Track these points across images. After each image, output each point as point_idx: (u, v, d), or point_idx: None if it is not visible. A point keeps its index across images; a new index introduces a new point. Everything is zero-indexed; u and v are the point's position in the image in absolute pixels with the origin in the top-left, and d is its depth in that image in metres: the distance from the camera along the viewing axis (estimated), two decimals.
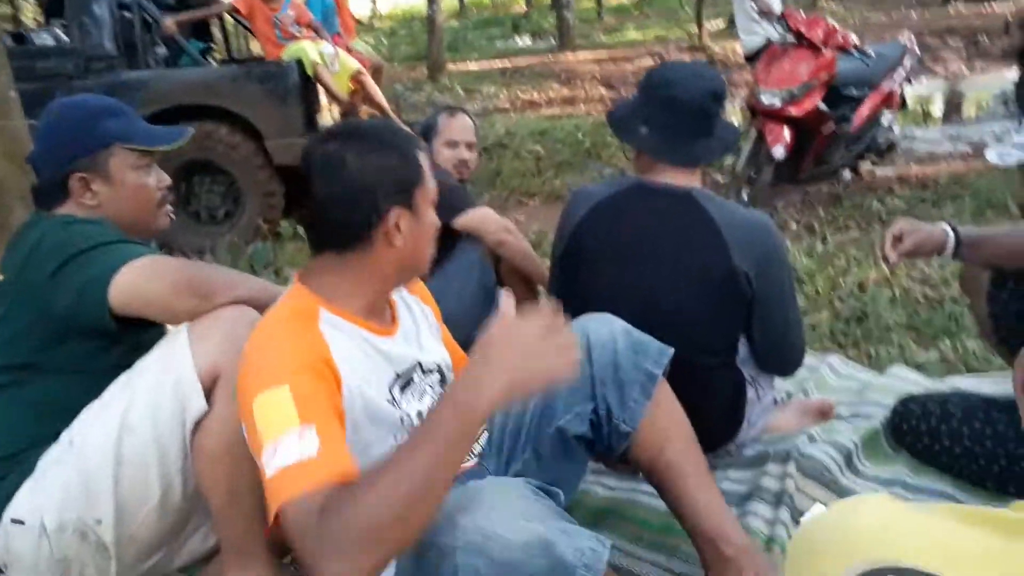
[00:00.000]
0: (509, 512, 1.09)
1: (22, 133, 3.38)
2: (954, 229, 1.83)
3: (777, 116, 4.27)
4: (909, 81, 4.89)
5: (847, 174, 4.95)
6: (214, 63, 5.43)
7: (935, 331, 2.77)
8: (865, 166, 5.11)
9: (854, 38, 4.42)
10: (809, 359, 2.26)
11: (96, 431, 1.46)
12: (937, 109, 8.54)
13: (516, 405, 1.44)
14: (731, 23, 13.80)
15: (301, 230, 4.46)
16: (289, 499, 1.02)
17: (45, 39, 5.21)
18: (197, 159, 4.59)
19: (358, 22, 8.57)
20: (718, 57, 12.11)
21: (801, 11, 4.55)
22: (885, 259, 1.82)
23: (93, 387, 1.51)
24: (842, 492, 1.77)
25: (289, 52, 4.78)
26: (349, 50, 5.49)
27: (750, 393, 1.89)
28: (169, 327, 1.73)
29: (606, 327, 1.44)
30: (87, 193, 1.59)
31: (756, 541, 1.56)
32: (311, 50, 4.69)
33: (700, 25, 13.14)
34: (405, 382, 1.36)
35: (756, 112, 4.40)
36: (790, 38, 4.39)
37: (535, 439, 1.41)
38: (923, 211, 4.22)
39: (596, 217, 1.87)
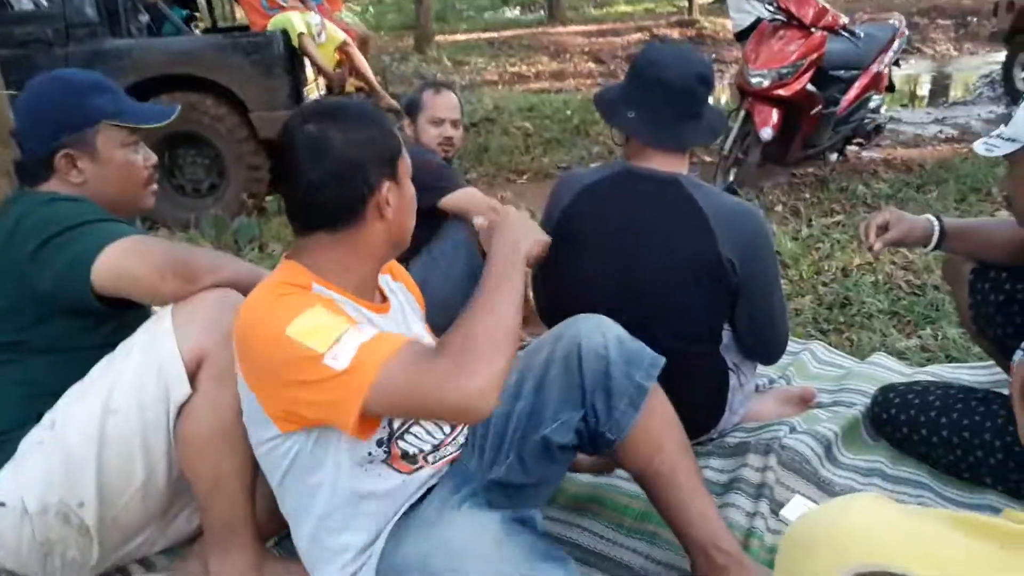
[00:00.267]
0: (480, 559, 1.17)
1: (3, 104, 3.32)
2: (939, 220, 1.84)
3: (766, 97, 4.25)
4: (898, 64, 4.89)
5: (834, 156, 4.96)
6: (198, 32, 5.32)
7: (916, 318, 2.79)
8: (851, 148, 5.12)
9: (844, 19, 4.40)
10: (791, 345, 2.28)
11: (79, 413, 1.45)
12: (924, 90, 8.55)
13: (502, 407, 1.42)
14: None
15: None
16: (383, 362, 1.14)
17: (24, 3, 5.09)
18: (181, 131, 4.49)
19: None
20: (708, 32, 12.05)
21: None
22: (869, 248, 1.82)
23: (79, 366, 1.50)
24: (822, 483, 1.79)
25: (275, 22, 4.70)
26: (335, 21, 5.41)
27: (733, 380, 1.90)
28: (153, 307, 1.72)
29: (599, 334, 1.40)
30: (73, 170, 1.57)
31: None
32: (297, 21, 4.61)
33: None
34: None
35: (745, 92, 4.38)
36: (780, 17, 4.36)
37: (519, 444, 1.39)
38: (907, 195, 4.23)
39: (583, 203, 1.86)
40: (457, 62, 10.60)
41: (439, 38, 12.10)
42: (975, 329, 1.98)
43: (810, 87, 4.29)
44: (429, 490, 1.38)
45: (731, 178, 4.51)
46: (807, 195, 4.43)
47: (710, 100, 1.90)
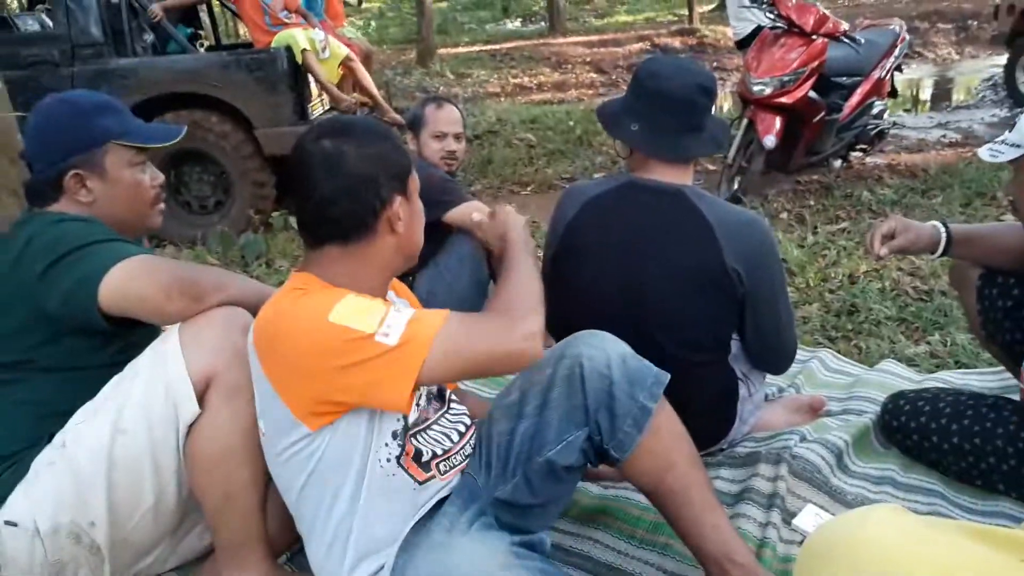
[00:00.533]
0: None
1: (11, 124, 3.34)
2: (945, 226, 1.84)
3: (768, 105, 4.26)
4: (900, 69, 4.89)
5: (837, 163, 4.96)
6: (202, 50, 5.36)
7: (925, 324, 2.78)
8: (855, 155, 5.12)
9: (845, 25, 4.41)
10: (800, 353, 2.27)
11: (89, 434, 1.46)
12: (927, 95, 8.55)
13: (504, 423, 1.44)
14: (721, 5, 13.77)
15: (293, 221, 4.44)
16: (436, 331, 1.23)
17: (31, 25, 5.14)
18: (186, 149, 4.53)
19: (346, 4, 8.49)
20: (709, 41, 12.09)
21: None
22: (876, 256, 1.82)
23: (88, 385, 1.51)
24: (833, 492, 1.79)
25: (279, 39, 4.72)
26: (338, 36, 5.44)
27: (742, 390, 1.90)
28: (162, 326, 1.73)
29: (602, 353, 1.39)
30: (82, 190, 1.58)
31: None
32: (301, 37, 4.64)
33: (691, 8, 13.10)
34: None
35: (747, 101, 4.39)
36: (780, 24, 4.37)
37: (525, 465, 1.39)
38: (912, 201, 4.23)
39: (588, 215, 1.87)
40: (459, 74, 10.65)
41: (441, 51, 12.17)
42: (984, 335, 1.97)
43: (812, 94, 4.29)
44: (439, 503, 1.38)
45: (735, 186, 4.52)
46: (812, 202, 4.43)
47: (712, 110, 1.91)
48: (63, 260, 1.45)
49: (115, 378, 1.50)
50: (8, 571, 1.50)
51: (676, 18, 14.71)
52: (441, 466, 1.40)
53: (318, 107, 4.97)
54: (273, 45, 4.70)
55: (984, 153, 1.66)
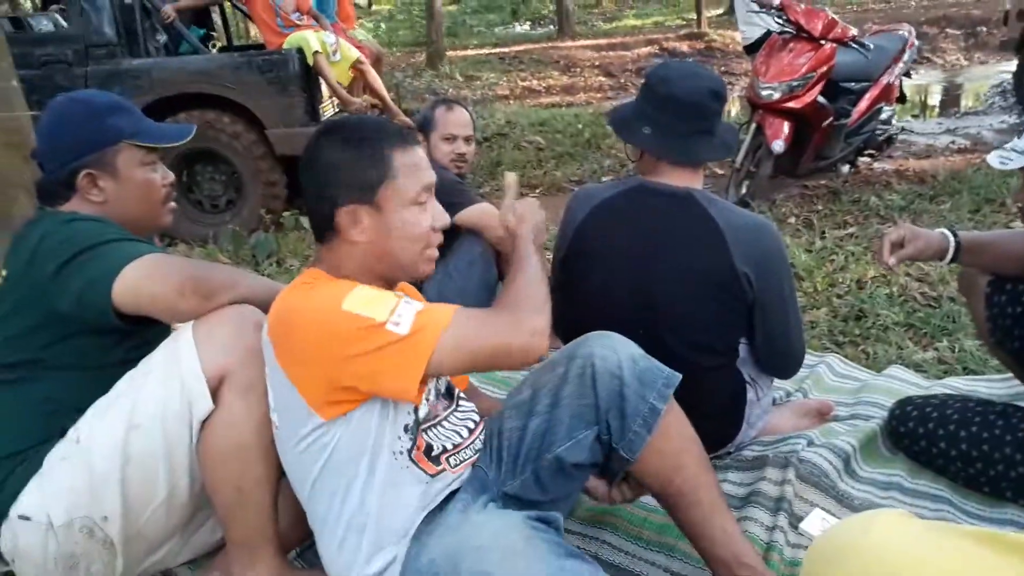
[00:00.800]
0: (508, 555, 1.17)
1: (25, 123, 3.37)
2: (954, 234, 1.85)
3: (776, 109, 4.27)
4: (908, 75, 4.89)
5: (846, 168, 4.96)
6: (214, 51, 5.39)
7: (933, 330, 2.78)
8: (863, 160, 5.12)
9: (853, 31, 4.41)
10: (807, 358, 2.27)
11: (103, 429, 1.48)
12: (935, 100, 8.54)
13: (515, 420, 1.46)
14: (730, 10, 13.77)
15: (304, 221, 4.47)
16: (446, 324, 1.24)
17: (44, 25, 5.18)
18: (198, 148, 4.56)
19: (356, 6, 8.52)
20: (717, 45, 12.09)
21: (801, 4, 4.54)
22: (885, 265, 1.83)
23: (100, 383, 1.53)
24: (840, 497, 1.79)
25: (290, 41, 4.75)
26: (348, 39, 5.46)
27: (750, 394, 1.91)
28: (173, 324, 1.75)
29: (613, 354, 1.41)
30: (94, 190, 1.60)
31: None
32: (312, 39, 4.66)
33: (699, 12, 13.10)
34: None
35: (755, 105, 4.39)
36: (789, 29, 4.37)
37: (535, 461, 1.42)
38: (921, 207, 4.23)
39: (597, 218, 1.88)
40: (469, 77, 10.68)
41: (450, 53, 12.19)
42: (992, 341, 1.97)
43: (821, 99, 4.30)
44: (450, 496, 1.40)
45: (743, 191, 4.52)
46: (820, 207, 4.43)
47: (723, 115, 1.92)
48: (76, 259, 1.46)
49: (128, 374, 1.52)
50: (21, 565, 1.52)
51: (684, 22, 14.71)
52: (451, 460, 1.42)
53: (329, 108, 4.99)
54: (285, 47, 4.73)
55: (993, 159, 1.66)
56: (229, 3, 5.88)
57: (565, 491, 1.47)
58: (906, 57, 4.73)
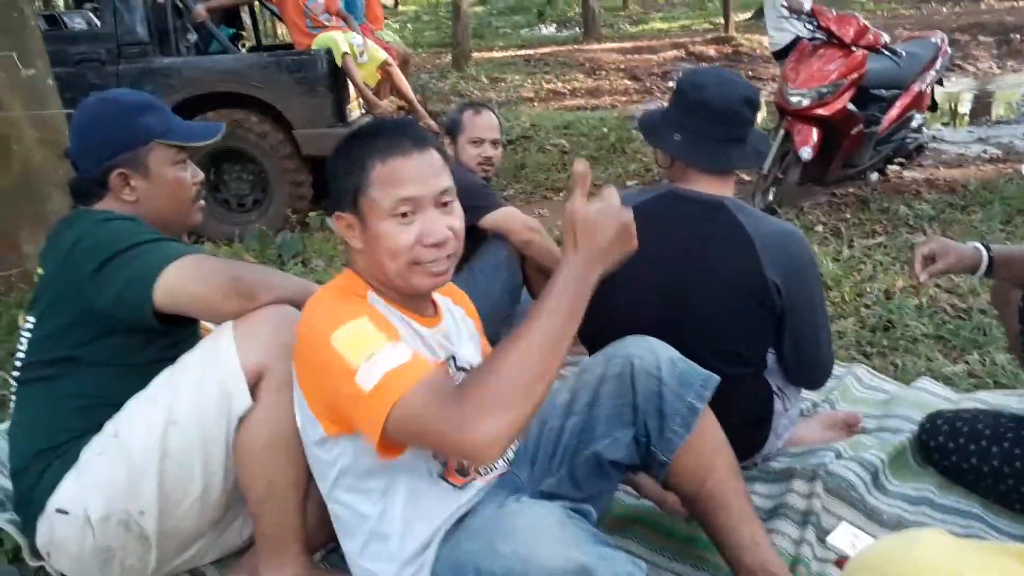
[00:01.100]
0: (548, 538, 1.15)
1: (59, 121, 3.43)
2: (987, 248, 1.82)
3: (805, 116, 4.23)
4: (940, 83, 4.83)
5: (875, 176, 4.91)
6: (243, 50, 5.45)
7: (963, 342, 2.75)
8: (893, 168, 5.07)
9: (885, 37, 4.36)
10: (835, 369, 2.26)
11: (142, 424, 1.50)
12: (966, 108, 8.43)
13: (553, 421, 1.45)
14: (758, 14, 13.68)
15: (329, 221, 4.46)
16: (402, 395, 1.13)
17: (78, 23, 5.26)
18: (226, 147, 4.61)
19: (383, 6, 8.58)
20: (744, 50, 12.01)
21: (833, 10, 4.50)
22: (916, 281, 1.80)
23: (133, 380, 1.55)
24: (869, 511, 1.78)
25: (319, 42, 4.79)
26: (376, 40, 5.50)
27: (777, 405, 1.90)
28: (205, 323, 1.77)
29: (652, 355, 1.42)
30: (127, 188, 1.63)
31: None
32: (341, 40, 4.70)
33: (727, 16, 13.01)
34: None
35: (784, 111, 4.36)
36: (820, 36, 4.34)
37: (571, 459, 1.42)
38: (951, 216, 4.17)
39: None
40: (494, 79, 10.69)
41: (476, 55, 12.22)
42: None
43: (850, 106, 4.25)
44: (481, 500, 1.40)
45: (770, 197, 4.49)
46: (848, 215, 4.39)
47: (755, 123, 1.91)
48: (115, 259, 1.49)
49: (166, 371, 1.55)
50: (57, 558, 1.55)
51: (712, 26, 14.63)
52: (481, 469, 1.42)
53: (356, 110, 5.03)
54: (313, 47, 4.77)
55: None
56: (259, 3, 5.94)
57: (599, 490, 1.47)
58: (939, 65, 4.67)
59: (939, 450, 1.92)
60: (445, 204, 1.33)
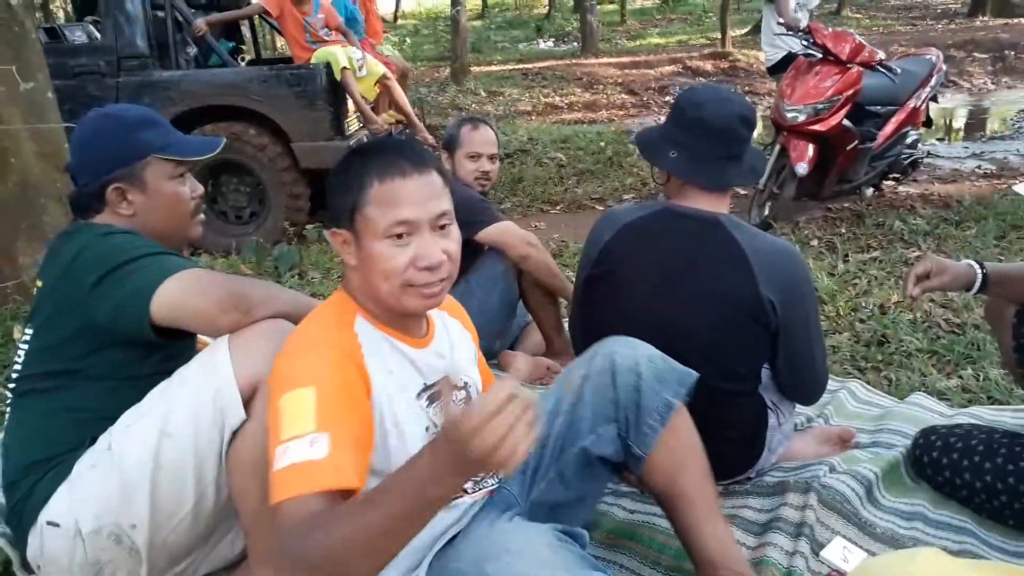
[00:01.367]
0: (537, 562, 1.16)
1: (58, 134, 3.44)
2: (981, 265, 1.83)
3: (801, 132, 4.26)
4: (935, 99, 4.86)
5: (870, 191, 4.94)
6: (243, 64, 5.47)
7: (957, 358, 2.76)
8: (888, 184, 5.09)
9: (881, 54, 4.40)
10: (829, 383, 2.26)
11: (135, 437, 1.50)
12: (961, 124, 8.48)
13: (541, 427, 1.46)
14: (754, 30, 13.78)
15: (326, 233, 4.47)
16: (287, 498, 1.10)
17: (78, 36, 5.28)
18: (224, 160, 4.63)
19: (382, 19, 8.63)
20: (741, 65, 12.09)
21: (829, 27, 4.53)
22: (910, 297, 1.81)
23: (130, 393, 1.55)
24: (863, 525, 1.78)
25: (319, 56, 4.82)
26: (376, 54, 5.53)
27: (772, 420, 1.90)
28: (202, 337, 1.77)
29: (631, 351, 1.47)
30: (124, 203, 1.63)
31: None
32: (340, 55, 4.72)
33: (724, 31, 13.10)
34: (433, 393, 1.39)
35: (780, 127, 4.39)
36: (816, 52, 4.37)
37: (559, 459, 1.44)
38: (945, 232, 4.19)
39: (623, 239, 1.89)
40: (492, 93, 10.74)
41: (474, 69, 12.28)
42: (1020, 372, 1.95)
43: (846, 122, 4.29)
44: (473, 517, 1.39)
45: (766, 212, 4.52)
46: (843, 230, 4.41)
47: (752, 141, 1.92)
48: (114, 272, 1.49)
49: (161, 384, 1.55)
50: (48, 571, 1.54)
51: (709, 42, 14.73)
52: (469, 487, 1.41)
53: (354, 123, 5.05)
54: (313, 61, 4.80)
55: (1022, 189, 1.65)
56: (259, 17, 5.97)
57: (587, 490, 1.48)
58: (934, 81, 4.71)
59: (932, 465, 1.92)
60: (442, 227, 1.31)
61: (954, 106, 9.26)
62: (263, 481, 1.48)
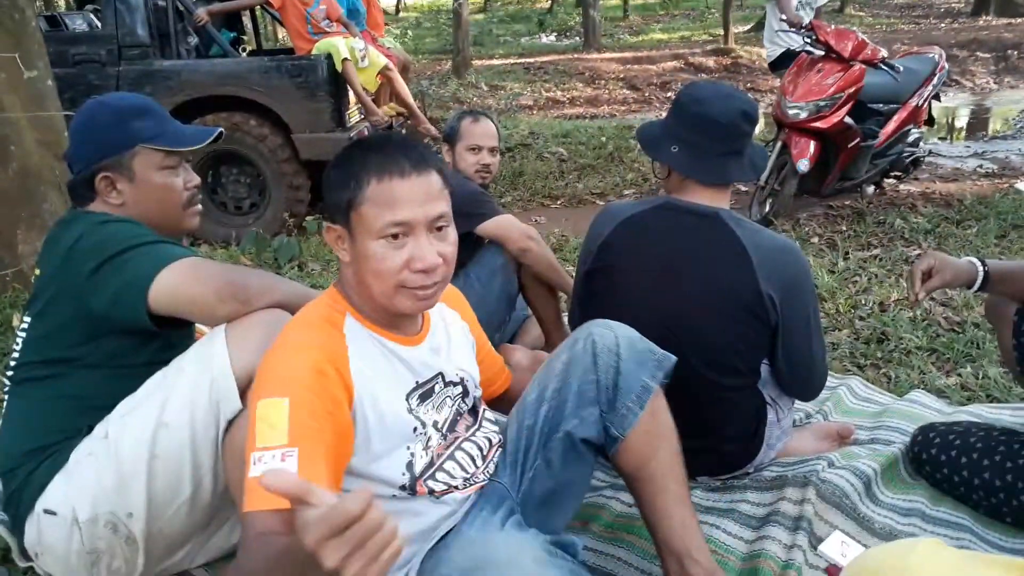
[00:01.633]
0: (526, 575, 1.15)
1: (58, 122, 3.43)
2: (982, 262, 1.83)
3: (803, 129, 4.26)
4: (937, 97, 4.86)
5: (871, 189, 4.93)
6: (244, 54, 5.46)
7: (956, 355, 2.76)
8: (889, 181, 5.09)
9: (883, 52, 4.39)
10: (828, 380, 2.26)
11: (132, 426, 1.50)
12: (963, 123, 8.47)
13: (528, 418, 1.47)
14: (757, 27, 13.77)
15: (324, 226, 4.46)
16: (251, 510, 1.09)
17: (79, 24, 5.27)
18: (225, 150, 4.63)
19: (384, 12, 8.61)
20: (743, 61, 12.08)
21: (831, 24, 4.52)
22: (914, 297, 1.80)
23: (127, 382, 1.55)
24: (861, 520, 1.78)
25: (320, 47, 4.81)
26: (377, 46, 5.51)
27: (770, 415, 1.90)
28: (200, 326, 1.77)
29: (611, 333, 1.46)
30: (112, 192, 1.63)
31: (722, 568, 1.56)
32: (342, 46, 4.71)
33: (726, 28, 13.09)
34: (425, 391, 1.39)
35: (781, 124, 4.38)
36: (818, 50, 4.36)
37: (545, 446, 1.43)
38: (946, 230, 4.19)
39: (623, 234, 1.88)
40: (493, 86, 10.74)
41: (476, 62, 12.27)
42: (1019, 370, 1.95)
43: (848, 120, 4.28)
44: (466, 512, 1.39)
45: (767, 208, 4.52)
46: (843, 227, 4.41)
47: (753, 137, 1.92)
48: (112, 261, 1.49)
49: (158, 373, 1.54)
50: (45, 559, 1.54)
51: (711, 38, 14.71)
52: (460, 484, 1.40)
53: (355, 115, 5.04)
54: (314, 52, 4.78)
55: (1023, 187, 1.65)
56: (260, 7, 5.96)
57: (573, 474, 1.47)
58: (936, 80, 4.70)
59: (931, 462, 1.92)
60: (439, 229, 1.29)
61: (956, 105, 9.25)
62: None
